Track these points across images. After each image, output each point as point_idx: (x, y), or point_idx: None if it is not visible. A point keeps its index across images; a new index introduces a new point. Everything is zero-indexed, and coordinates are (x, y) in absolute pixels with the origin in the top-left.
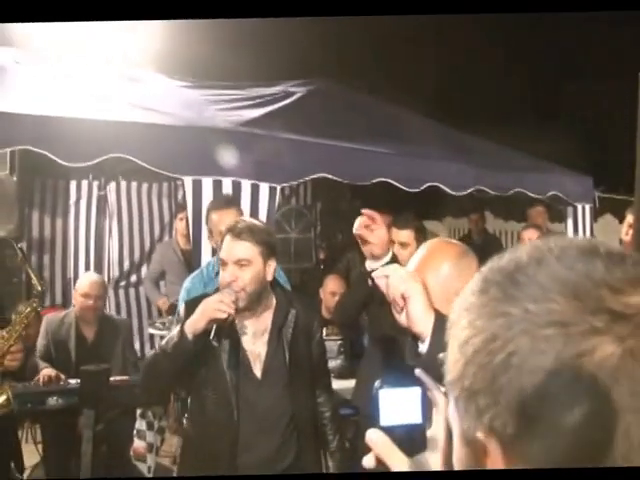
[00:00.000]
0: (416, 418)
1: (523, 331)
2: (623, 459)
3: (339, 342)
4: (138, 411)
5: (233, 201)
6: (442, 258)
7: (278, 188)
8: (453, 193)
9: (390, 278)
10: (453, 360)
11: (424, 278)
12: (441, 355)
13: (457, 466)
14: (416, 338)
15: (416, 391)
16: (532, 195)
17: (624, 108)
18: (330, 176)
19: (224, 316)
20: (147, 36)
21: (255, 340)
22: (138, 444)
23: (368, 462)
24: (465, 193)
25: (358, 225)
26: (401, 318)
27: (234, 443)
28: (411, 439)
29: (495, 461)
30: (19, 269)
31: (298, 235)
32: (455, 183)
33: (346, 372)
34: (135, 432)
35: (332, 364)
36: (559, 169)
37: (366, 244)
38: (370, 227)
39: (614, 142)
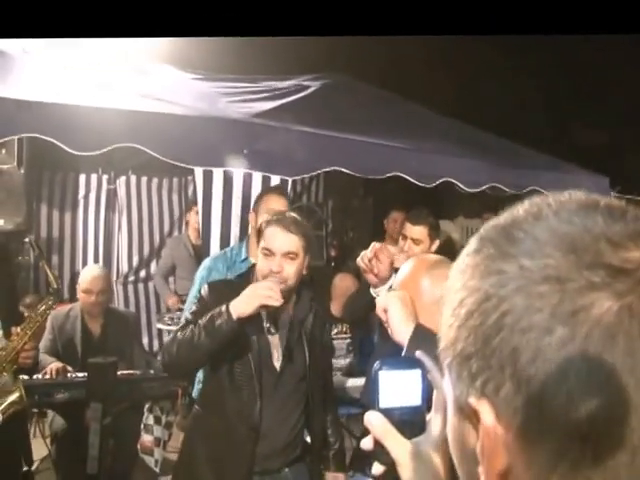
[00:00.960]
0: (415, 400)
1: (517, 289)
2: (619, 421)
3: (348, 341)
4: (146, 405)
5: (286, 192)
6: (417, 274)
7: (290, 181)
8: (467, 190)
9: (377, 298)
10: (446, 325)
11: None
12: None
13: (450, 436)
14: None
15: (416, 373)
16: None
17: None
18: (343, 170)
19: (276, 304)
20: None
21: (274, 331)
22: (145, 438)
23: (366, 444)
24: (479, 190)
25: (365, 257)
26: (389, 331)
27: (255, 430)
28: (410, 422)
29: (487, 427)
30: (26, 263)
31: None
32: (469, 180)
33: (355, 370)
34: (142, 426)
35: (341, 362)
36: (575, 169)
37: (370, 273)
38: (379, 259)
39: (631, 143)
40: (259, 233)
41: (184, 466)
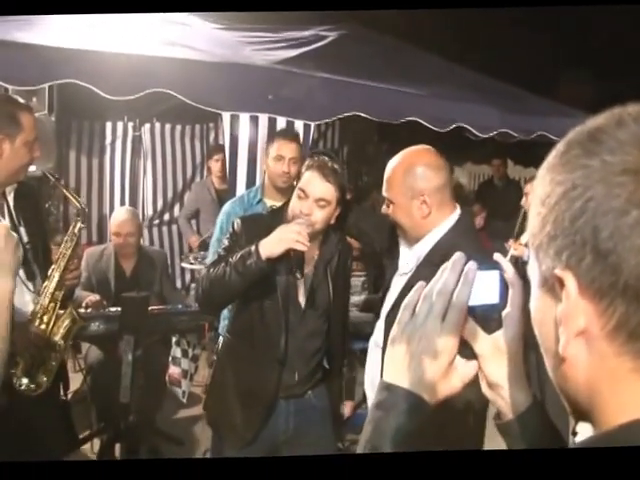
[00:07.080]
0: (494, 299)
1: (600, 179)
2: None
3: (363, 278)
4: (174, 339)
5: (297, 137)
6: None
7: (312, 125)
8: (479, 134)
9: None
10: (535, 214)
11: None
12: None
13: (533, 307)
14: None
15: (494, 274)
16: (555, 138)
17: None
18: (362, 114)
19: (303, 249)
20: None
21: (301, 269)
22: (173, 370)
23: None
24: (491, 135)
25: None
26: None
27: (281, 361)
28: (489, 318)
29: (569, 292)
30: (56, 208)
31: None
32: (481, 124)
33: (368, 306)
34: (171, 359)
35: (356, 299)
36: (582, 114)
37: None
38: None
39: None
40: (298, 175)
41: (215, 389)
